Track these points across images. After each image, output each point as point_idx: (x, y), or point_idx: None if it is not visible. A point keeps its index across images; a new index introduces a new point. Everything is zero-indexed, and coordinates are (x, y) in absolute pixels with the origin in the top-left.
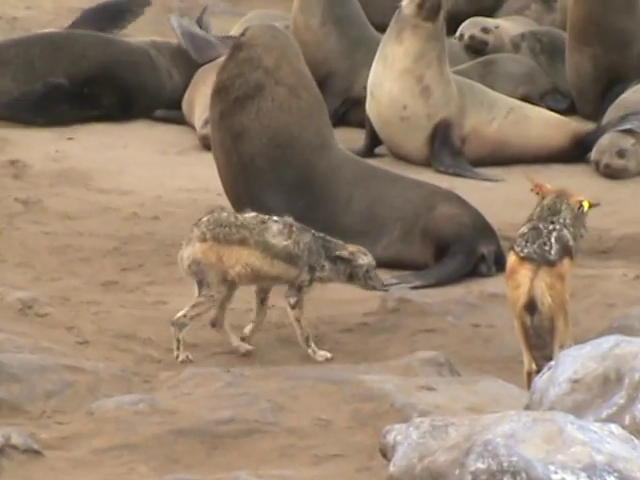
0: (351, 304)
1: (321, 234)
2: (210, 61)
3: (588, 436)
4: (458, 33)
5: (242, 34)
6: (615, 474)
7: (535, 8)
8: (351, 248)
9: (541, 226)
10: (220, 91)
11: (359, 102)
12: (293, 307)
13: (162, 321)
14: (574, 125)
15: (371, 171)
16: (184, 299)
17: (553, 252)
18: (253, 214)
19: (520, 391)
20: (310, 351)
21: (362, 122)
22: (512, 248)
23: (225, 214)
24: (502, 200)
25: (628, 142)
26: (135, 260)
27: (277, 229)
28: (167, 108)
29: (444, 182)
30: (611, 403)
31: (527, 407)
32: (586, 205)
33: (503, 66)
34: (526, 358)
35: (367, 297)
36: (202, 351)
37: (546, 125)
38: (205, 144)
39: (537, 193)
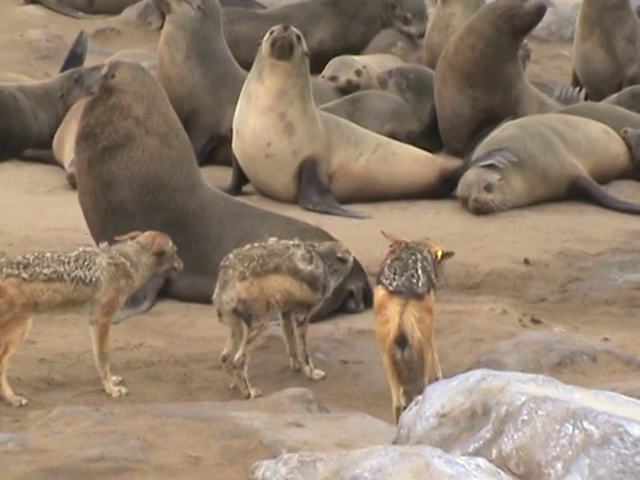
0: (220, 341)
1: (321, 250)
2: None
3: (455, 470)
4: (328, 73)
5: (112, 75)
6: None
7: (401, 46)
8: (342, 247)
9: (404, 256)
10: (88, 137)
11: (226, 140)
12: (301, 324)
13: (31, 360)
14: (441, 162)
15: (241, 208)
16: (53, 338)
17: (420, 284)
18: (274, 239)
19: (389, 427)
20: (307, 369)
21: (229, 160)
22: (380, 282)
23: (248, 246)
24: (370, 237)
25: (494, 177)
26: None
27: (301, 254)
28: (34, 148)
29: (312, 219)
30: (478, 437)
31: (395, 442)
32: (440, 253)
33: (370, 103)
34: (395, 393)
35: None
36: (71, 390)
37: (413, 162)
38: (72, 183)
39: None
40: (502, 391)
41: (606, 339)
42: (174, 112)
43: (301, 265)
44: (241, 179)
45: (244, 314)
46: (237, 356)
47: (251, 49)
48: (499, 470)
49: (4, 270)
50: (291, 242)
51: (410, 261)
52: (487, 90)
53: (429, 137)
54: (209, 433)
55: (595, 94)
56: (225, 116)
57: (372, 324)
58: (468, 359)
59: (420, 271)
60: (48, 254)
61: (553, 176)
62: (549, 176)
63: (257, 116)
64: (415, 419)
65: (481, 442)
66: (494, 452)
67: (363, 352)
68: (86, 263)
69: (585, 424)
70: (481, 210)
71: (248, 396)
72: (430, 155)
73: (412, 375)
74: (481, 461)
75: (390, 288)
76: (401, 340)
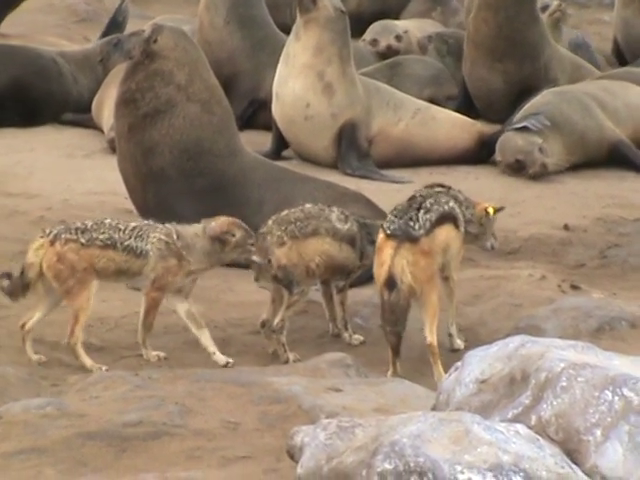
0: (259, 306)
1: (359, 218)
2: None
3: (494, 436)
4: (369, 37)
5: (154, 39)
6: (521, 474)
7: (441, 10)
8: None
9: (416, 194)
10: (128, 102)
11: (266, 104)
12: (340, 291)
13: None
14: (480, 126)
15: (281, 173)
16: (94, 302)
17: (417, 227)
18: (309, 205)
19: (427, 392)
20: (346, 334)
21: (269, 125)
22: (381, 225)
23: (285, 212)
24: None
25: (538, 140)
26: None
27: (336, 216)
28: (73, 112)
29: (351, 184)
30: (517, 403)
31: (434, 408)
32: (491, 210)
33: (410, 68)
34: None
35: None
36: (110, 354)
37: (453, 126)
38: (113, 147)
39: None
40: (541, 357)
41: None
42: (215, 79)
43: (338, 225)
44: (281, 143)
45: (284, 280)
46: (276, 321)
47: (290, 13)
48: (538, 437)
49: (63, 236)
50: (327, 206)
51: (414, 204)
52: (516, 61)
53: (462, 110)
54: (247, 398)
55: (636, 59)
56: (265, 80)
57: None
58: (507, 325)
59: (422, 212)
60: (107, 221)
61: (592, 140)
62: (588, 140)
63: (296, 76)
64: (454, 385)
65: (520, 409)
66: (533, 419)
67: None
68: (140, 234)
69: (625, 391)
70: (542, 175)
71: (287, 361)
72: (469, 120)
73: (393, 317)
74: (520, 427)
75: (387, 232)
76: (390, 283)
